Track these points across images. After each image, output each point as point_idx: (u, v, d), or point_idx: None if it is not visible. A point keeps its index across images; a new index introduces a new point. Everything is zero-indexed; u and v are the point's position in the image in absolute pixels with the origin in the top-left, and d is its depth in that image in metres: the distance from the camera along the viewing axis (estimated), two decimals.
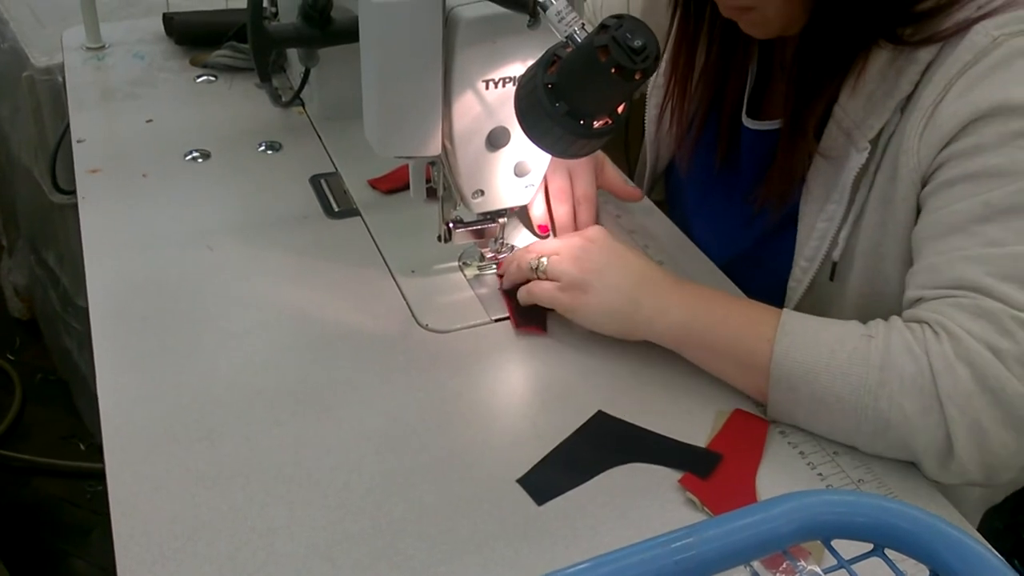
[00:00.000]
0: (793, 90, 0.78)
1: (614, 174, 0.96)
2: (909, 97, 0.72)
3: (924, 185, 0.72)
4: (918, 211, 0.73)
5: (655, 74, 0.95)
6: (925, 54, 0.71)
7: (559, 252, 0.79)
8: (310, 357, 0.77)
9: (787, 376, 0.69)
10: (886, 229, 0.76)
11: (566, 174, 0.90)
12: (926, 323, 0.67)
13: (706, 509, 0.66)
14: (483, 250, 0.87)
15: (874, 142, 0.75)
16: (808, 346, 0.69)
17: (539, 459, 0.69)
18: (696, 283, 0.79)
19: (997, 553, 0.41)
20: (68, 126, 1.08)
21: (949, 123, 0.69)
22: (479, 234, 0.84)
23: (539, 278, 0.80)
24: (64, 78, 1.20)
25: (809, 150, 0.79)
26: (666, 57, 0.90)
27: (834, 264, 0.80)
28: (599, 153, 0.96)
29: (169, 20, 1.27)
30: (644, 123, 1.01)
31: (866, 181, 0.76)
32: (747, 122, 0.88)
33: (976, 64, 0.68)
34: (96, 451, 1.77)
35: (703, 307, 0.74)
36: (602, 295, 0.76)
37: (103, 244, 0.88)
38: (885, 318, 0.71)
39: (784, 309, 0.72)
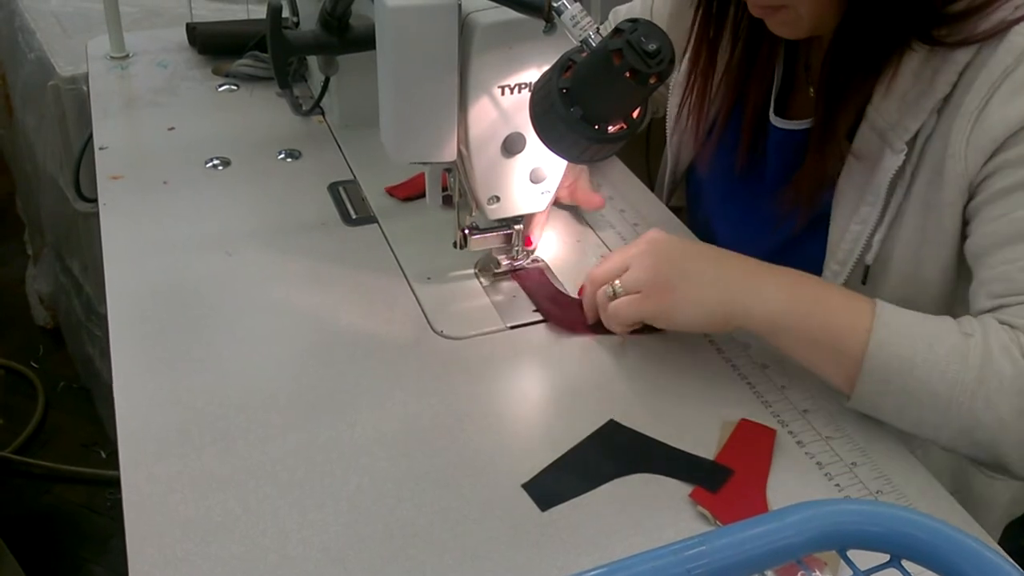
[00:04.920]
0: (824, 91, 0.77)
1: (585, 188, 0.95)
2: (946, 99, 0.72)
3: (972, 191, 0.71)
4: (963, 218, 0.73)
5: (676, 72, 0.95)
6: (962, 55, 0.70)
7: (628, 265, 0.75)
8: (325, 362, 0.77)
9: (882, 367, 0.68)
10: (926, 235, 0.75)
11: None
12: (1017, 328, 0.67)
13: (718, 523, 0.65)
14: (499, 257, 0.87)
15: (910, 144, 0.74)
16: (906, 339, 0.67)
17: None
18: (777, 266, 0.74)
19: (1016, 565, 0.40)
20: (92, 134, 1.09)
21: (997, 129, 0.68)
22: (495, 240, 0.84)
23: (619, 297, 0.75)
24: (88, 87, 1.22)
25: (841, 152, 0.78)
26: (687, 56, 0.90)
27: (867, 268, 0.79)
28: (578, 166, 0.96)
29: (192, 30, 1.29)
30: (666, 126, 1.01)
31: (902, 184, 0.75)
32: (775, 121, 0.87)
33: (1019, 67, 0.68)
34: (117, 458, 1.78)
35: (799, 293, 0.71)
36: (691, 289, 0.72)
37: (123, 249, 0.89)
38: None
39: (879, 300, 0.70)
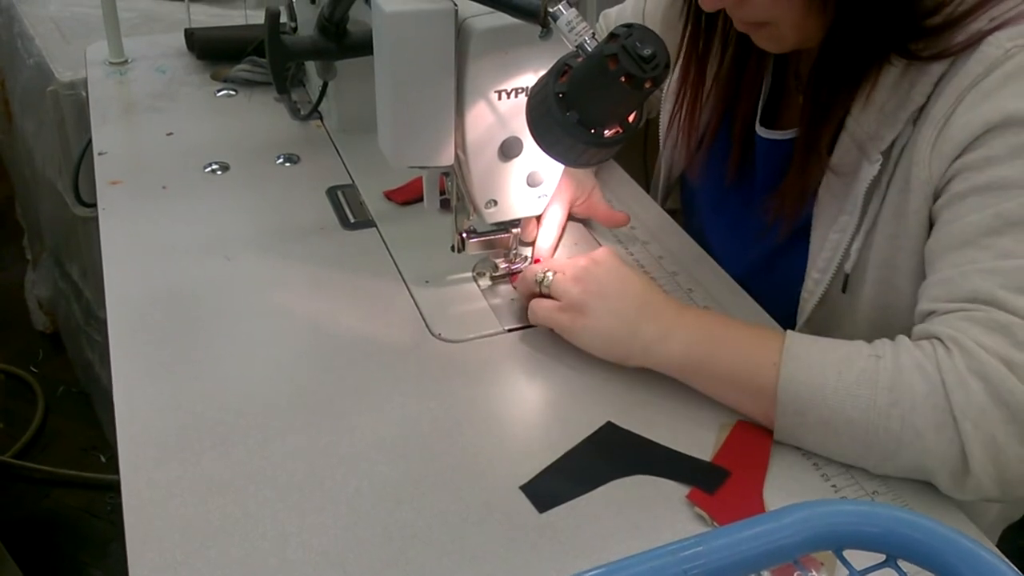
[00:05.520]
0: (809, 106, 0.78)
1: (601, 203, 0.96)
2: (921, 109, 0.72)
3: (936, 197, 0.72)
4: (930, 223, 0.73)
5: (669, 82, 0.95)
6: (938, 66, 0.71)
7: (564, 270, 0.79)
8: (324, 366, 0.77)
9: (794, 400, 0.68)
10: (898, 242, 0.75)
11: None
12: (937, 338, 0.67)
13: (715, 524, 0.65)
14: (497, 260, 0.87)
15: (886, 154, 0.74)
16: (815, 368, 0.68)
17: None
18: (699, 309, 0.77)
19: (1013, 565, 0.40)
20: (91, 139, 1.10)
21: (960, 135, 0.69)
22: (492, 244, 0.85)
23: (542, 292, 0.79)
24: (87, 92, 1.22)
25: (822, 162, 0.79)
26: (678, 68, 0.91)
27: (846, 276, 0.80)
28: (592, 179, 0.96)
29: (190, 35, 1.29)
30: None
31: (878, 193, 0.76)
32: (761, 131, 0.88)
33: (988, 76, 0.68)
34: (116, 463, 1.78)
35: (704, 333, 0.73)
36: (600, 318, 0.75)
37: (122, 254, 0.89)
38: (898, 331, 0.70)
39: (788, 331, 0.72)
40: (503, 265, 0.87)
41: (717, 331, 0.74)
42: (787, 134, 0.85)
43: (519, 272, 0.87)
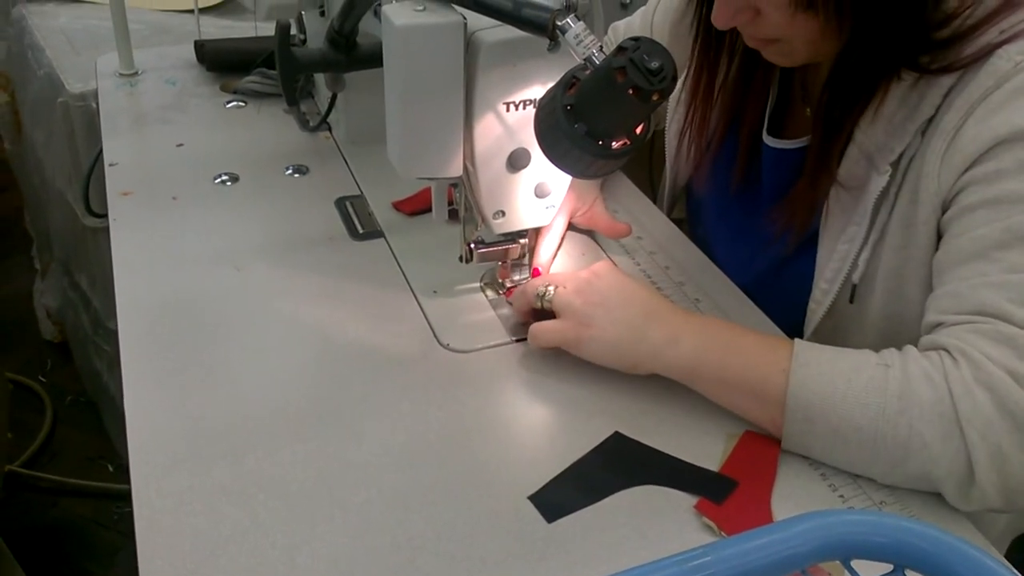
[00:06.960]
0: (821, 120, 0.78)
1: (603, 214, 0.97)
2: (930, 120, 0.73)
3: (945, 209, 0.72)
4: (938, 235, 0.73)
5: (680, 92, 0.96)
6: (947, 79, 0.71)
7: (566, 284, 0.79)
8: (333, 376, 0.78)
9: (804, 407, 0.68)
10: (907, 253, 0.76)
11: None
12: (944, 349, 0.67)
13: (723, 534, 0.65)
14: (503, 279, 0.87)
15: (895, 165, 0.75)
16: (824, 376, 0.68)
17: None
18: (705, 315, 0.77)
19: (1020, 575, 0.40)
20: (101, 150, 1.10)
21: (970, 147, 0.69)
22: (500, 255, 0.85)
23: (544, 307, 0.80)
24: (98, 104, 1.23)
25: (831, 174, 0.79)
26: (687, 80, 0.91)
27: (854, 287, 0.80)
28: (595, 191, 0.97)
29: (200, 47, 1.30)
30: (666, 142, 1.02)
31: (887, 204, 0.76)
32: (768, 140, 0.88)
33: (997, 89, 0.68)
34: (124, 472, 1.78)
35: (713, 338, 0.74)
36: (606, 328, 0.75)
37: (133, 264, 0.90)
38: (906, 341, 0.71)
39: (796, 339, 0.72)
40: (510, 284, 0.88)
41: (726, 336, 0.74)
42: (794, 143, 0.86)
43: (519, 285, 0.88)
